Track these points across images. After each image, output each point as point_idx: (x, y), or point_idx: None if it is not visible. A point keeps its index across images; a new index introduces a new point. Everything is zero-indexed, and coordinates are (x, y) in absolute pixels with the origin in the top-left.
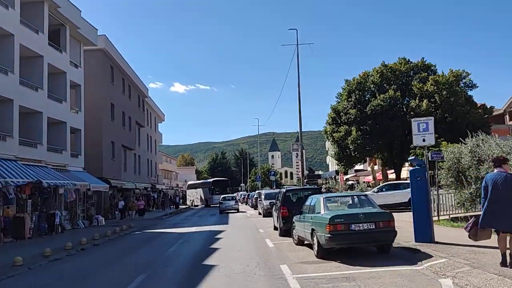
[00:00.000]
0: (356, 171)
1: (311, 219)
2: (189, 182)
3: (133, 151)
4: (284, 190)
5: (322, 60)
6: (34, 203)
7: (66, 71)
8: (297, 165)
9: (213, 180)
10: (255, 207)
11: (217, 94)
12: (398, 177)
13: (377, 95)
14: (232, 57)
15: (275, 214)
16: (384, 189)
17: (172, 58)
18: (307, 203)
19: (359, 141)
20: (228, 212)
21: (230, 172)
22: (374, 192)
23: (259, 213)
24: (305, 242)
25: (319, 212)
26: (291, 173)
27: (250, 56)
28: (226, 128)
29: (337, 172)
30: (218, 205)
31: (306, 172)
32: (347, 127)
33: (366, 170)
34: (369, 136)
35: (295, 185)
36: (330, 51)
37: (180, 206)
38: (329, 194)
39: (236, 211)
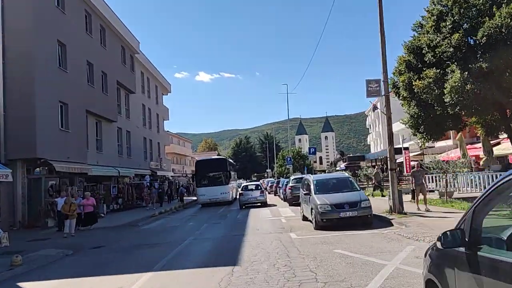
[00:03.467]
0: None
1: None
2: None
3: (113, 123)
4: None
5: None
6: None
7: None
8: (326, 149)
9: (197, 162)
10: (290, 201)
11: (242, 82)
12: None
13: (495, 11)
14: (257, 45)
15: None
16: None
17: (196, 48)
18: None
19: (468, 87)
20: (251, 206)
21: (255, 158)
22: None
23: (305, 219)
24: None
25: None
26: (320, 158)
27: (274, 43)
28: (251, 115)
29: (405, 149)
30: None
31: (336, 156)
32: (438, 70)
33: (433, 146)
34: (483, 80)
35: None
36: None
37: (193, 198)
38: None
39: (261, 204)
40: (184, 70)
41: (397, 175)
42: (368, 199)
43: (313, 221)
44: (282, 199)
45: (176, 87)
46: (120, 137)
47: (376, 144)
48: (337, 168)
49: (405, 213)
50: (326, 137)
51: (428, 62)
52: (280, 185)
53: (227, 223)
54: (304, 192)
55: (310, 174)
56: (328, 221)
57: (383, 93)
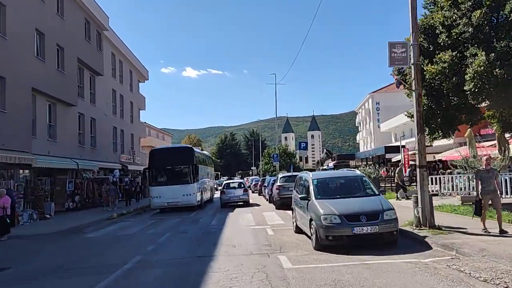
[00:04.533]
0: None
1: None
2: None
3: (73, 108)
4: None
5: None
6: None
7: None
8: (313, 148)
9: (152, 151)
10: (277, 203)
11: (229, 79)
12: None
13: None
14: (246, 43)
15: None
16: None
17: (184, 43)
18: None
19: (497, 72)
20: (233, 206)
21: (240, 155)
22: None
23: (299, 230)
24: None
25: None
26: (306, 157)
27: (263, 42)
28: (238, 113)
29: (403, 147)
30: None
31: (323, 155)
32: (454, 53)
33: (430, 145)
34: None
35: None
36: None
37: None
38: None
39: (244, 203)
40: (171, 65)
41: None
42: (393, 209)
43: (313, 237)
44: (267, 200)
45: (162, 82)
46: (82, 125)
47: (366, 142)
48: (324, 167)
49: (439, 228)
50: (312, 136)
51: (442, 44)
52: (266, 184)
53: (197, 232)
54: (300, 196)
55: (307, 171)
56: (336, 239)
57: (412, 60)
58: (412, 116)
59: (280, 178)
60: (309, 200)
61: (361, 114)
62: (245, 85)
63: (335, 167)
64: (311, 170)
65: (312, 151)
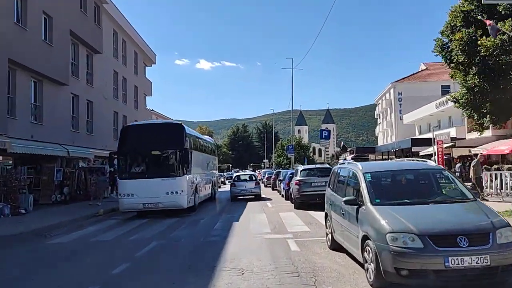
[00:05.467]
0: (453, 139)
1: None
2: None
3: (64, 87)
4: None
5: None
6: None
7: None
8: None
9: (124, 129)
10: (297, 202)
11: (242, 71)
12: None
13: None
14: (259, 35)
15: None
16: None
17: (198, 35)
18: None
19: None
20: (243, 198)
21: (252, 147)
22: None
23: (337, 246)
24: None
25: None
26: (320, 150)
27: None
28: (251, 106)
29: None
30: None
31: (337, 149)
32: None
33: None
34: None
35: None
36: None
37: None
38: None
39: (255, 197)
40: (184, 57)
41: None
42: (508, 224)
43: (370, 267)
44: (282, 197)
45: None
46: (76, 107)
47: (386, 135)
48: (341, 162)
49: None
50: (326, 129)
51: (502, 13)
52: (281, 178)
53: (192, 241)
54: (344, 199)
55: (350, 160)
56: (415, 276)
57: None
58: (457, 101)
59: (301, 171)
60: (360, 206)
61: (381, 105)
62: (258, 78)
63: (354, 161)
64: (327, 164)
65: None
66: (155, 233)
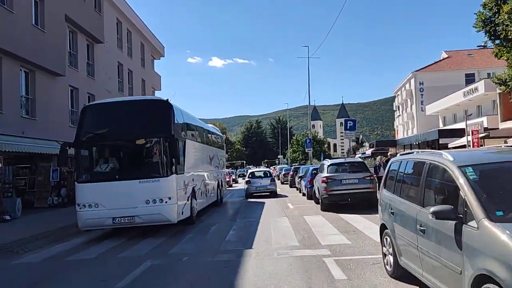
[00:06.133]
0: (485, 129)
1: None
2: None
3: (60, 79)
4: None
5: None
6: None
7: None
8: (341, 135)
9: (85, 108)
10: (324, 203)
11: (255, 68)
12: None
13: None
14: (271, 31)
15: None
16: None
17: (210, 33)
18: None
19: None
20: (259, 197)
21: (266, 143)
22: None
23: (408, 274)
24: None
25: None
26: (335, 145)
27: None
28: (263, 102)
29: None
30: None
31: (353, 143)
32: None
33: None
34: None
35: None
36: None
37: None
38: None
39: (271, 193)
40: (197, 55)
41: None
42: None
43: None
44: (304, 195)
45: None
46: (75, 101)
47: (407, 127)
48: (359, 155)
49: None
50: (341, 123)
51: None
52: (301, 174)
53: (197, 262)
54: (433, 209)
55: (403, 152)
56: None
57: None
58: (504, 82)
59: (328, 166)
60: (462, 222)
61: (400, 97)
62: (271, 74)
63: (373, 155)
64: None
65: (341, 138)
66: (151, 248)
